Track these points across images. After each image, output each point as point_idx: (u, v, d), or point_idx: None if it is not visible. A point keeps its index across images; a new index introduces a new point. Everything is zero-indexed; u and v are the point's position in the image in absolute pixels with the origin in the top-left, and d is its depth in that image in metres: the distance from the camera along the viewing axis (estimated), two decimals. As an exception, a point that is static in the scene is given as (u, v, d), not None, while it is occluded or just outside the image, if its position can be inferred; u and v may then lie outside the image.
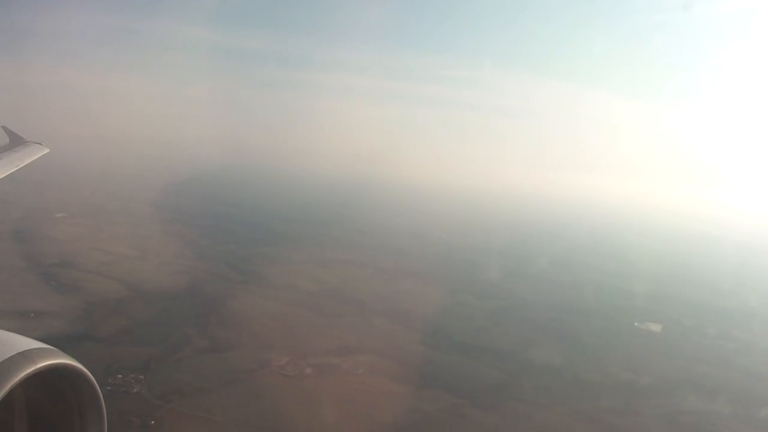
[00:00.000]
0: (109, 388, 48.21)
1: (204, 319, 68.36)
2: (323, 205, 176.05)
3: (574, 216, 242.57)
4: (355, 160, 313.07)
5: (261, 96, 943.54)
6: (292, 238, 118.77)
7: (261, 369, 57.98)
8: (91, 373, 5.60)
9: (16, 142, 20.07)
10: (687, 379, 69.17)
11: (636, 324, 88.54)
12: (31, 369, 5.01)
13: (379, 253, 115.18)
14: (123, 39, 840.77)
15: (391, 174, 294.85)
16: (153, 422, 46.26)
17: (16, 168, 17.33)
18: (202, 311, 70.45)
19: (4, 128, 20.64)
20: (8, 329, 5.72)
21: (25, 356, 5.10)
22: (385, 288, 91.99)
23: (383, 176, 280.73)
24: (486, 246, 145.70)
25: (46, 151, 20.56)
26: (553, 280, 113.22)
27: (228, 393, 52.21)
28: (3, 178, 16.45)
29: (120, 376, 51.91)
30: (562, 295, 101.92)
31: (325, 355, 62.72)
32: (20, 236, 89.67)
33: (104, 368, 50.83)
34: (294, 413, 49.42)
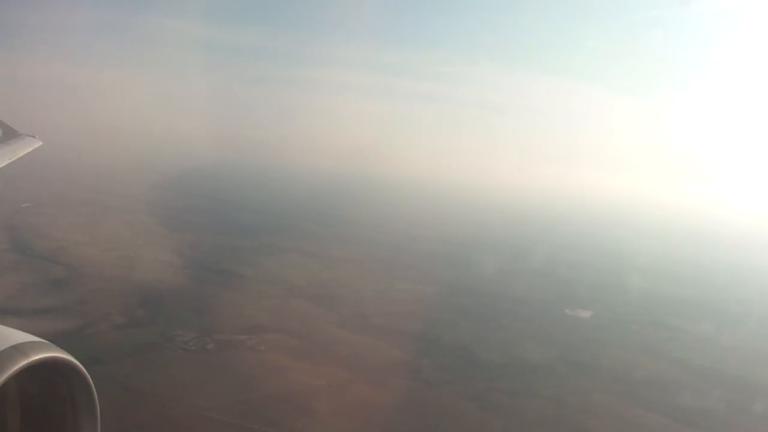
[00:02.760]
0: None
1: (130, 299, 72.12)
2: (307, 199, 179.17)
3: (564, 211, 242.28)
4: (348, 155, 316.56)
5: (255, 91, 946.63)
6: (253, 228, 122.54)
7: (165, 343, 61.60)
8: None
9: (9, 134, 20.53)
10: (591, 363, 70.90)
11: (566, 311, 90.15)
12: (24, 362, 5.00)
13: (335, 243, 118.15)
14: (116, 33, 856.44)
15: (384, 169, 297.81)
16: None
17: (10, 161, 17.67)
18: (130, 292, 74.37)
19: None
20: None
21: (19, 349, 5.08)
22: (323, 274, 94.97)
23: (377, 171, 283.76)
24: (457, 238, 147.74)
25: (40, 144, 20.79)
26: (507, 271, 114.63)
27: (123, 363, 55.60)
28: None
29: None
30: (507, 285, 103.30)
31: (233, 333, 66.09)
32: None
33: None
34: (178, 382, 52.83)
